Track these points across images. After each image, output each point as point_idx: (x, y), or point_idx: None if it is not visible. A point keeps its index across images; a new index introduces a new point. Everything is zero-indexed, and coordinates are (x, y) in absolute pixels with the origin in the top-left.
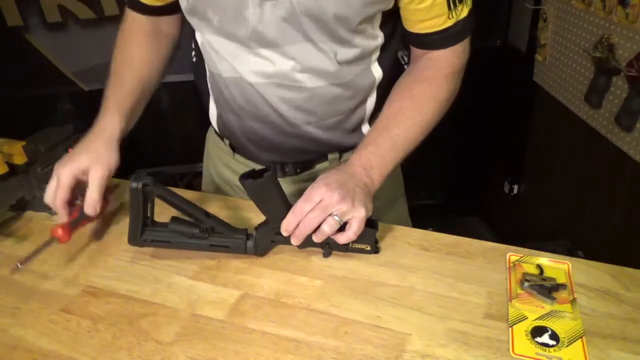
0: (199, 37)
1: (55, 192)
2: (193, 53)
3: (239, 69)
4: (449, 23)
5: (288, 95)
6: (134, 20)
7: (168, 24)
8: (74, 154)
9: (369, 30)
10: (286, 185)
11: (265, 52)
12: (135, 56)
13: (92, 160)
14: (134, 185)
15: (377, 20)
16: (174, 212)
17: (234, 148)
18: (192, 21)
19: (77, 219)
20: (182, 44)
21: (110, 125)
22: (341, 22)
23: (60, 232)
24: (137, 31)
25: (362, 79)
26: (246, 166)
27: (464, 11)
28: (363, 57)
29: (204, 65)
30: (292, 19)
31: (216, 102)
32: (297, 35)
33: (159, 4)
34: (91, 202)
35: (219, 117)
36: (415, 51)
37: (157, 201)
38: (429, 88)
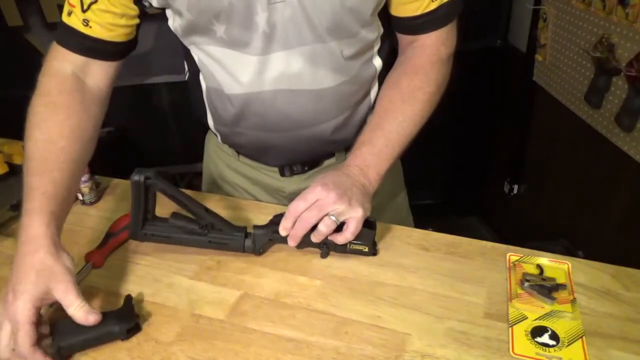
0: (195, 54)
1: (17, 340)
2: (186, 70)
3: (245, 79)
4: (433, 6)
5: (298, 99)
6: (57, 74)
7: (102, 73)
8: (17, 285)
9: (374, 22)
10: (292, 183)
11: (274, 56)
12: (61, 132)
13: (46, 278)
14: (137, 178)
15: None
16: (174, 210)
17: (239, 152)
18: (190, 39)
19: (114, 246)
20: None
21: (41, 232)
22: (353, 14)
23: (94, 256)
24: (61, 94)
25: (365, 71)
26: (252, 167)
27: None
28: (366, 49)
29: (200, 82)
30: (302, 18)
31: (214, 117)
32: (307, 35)
33: (119, 40)
34: (85, 319)
35: (219, 130)
36: (403, 39)
37: (159, 201)
38: (417, 78)
